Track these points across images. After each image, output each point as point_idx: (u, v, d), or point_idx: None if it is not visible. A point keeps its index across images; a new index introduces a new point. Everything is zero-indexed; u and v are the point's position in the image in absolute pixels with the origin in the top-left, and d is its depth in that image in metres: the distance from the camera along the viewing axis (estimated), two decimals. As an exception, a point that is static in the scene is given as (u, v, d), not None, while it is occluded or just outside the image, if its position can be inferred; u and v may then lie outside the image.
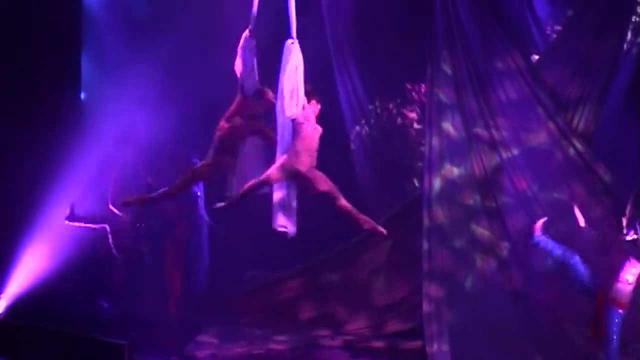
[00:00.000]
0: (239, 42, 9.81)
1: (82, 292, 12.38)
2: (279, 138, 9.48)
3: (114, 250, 12.61)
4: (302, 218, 13.09)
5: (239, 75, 9.89)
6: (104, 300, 12.67)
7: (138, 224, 12.77)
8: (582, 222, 9.96)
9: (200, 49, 13.34)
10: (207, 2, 13.37)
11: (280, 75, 9.30)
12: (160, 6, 13.68)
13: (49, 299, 11.97)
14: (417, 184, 13.11)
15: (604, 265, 9.86)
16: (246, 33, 9.76)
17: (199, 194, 13.28)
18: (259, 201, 13.56)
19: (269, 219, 13.49)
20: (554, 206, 11.49)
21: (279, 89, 9.33)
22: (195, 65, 13.28)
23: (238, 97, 9.97)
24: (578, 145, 11.56)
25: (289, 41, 9.31)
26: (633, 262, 9.61)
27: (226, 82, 10.23)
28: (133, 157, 12.83)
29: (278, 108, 9.40)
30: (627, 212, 9.64)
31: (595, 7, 11.85)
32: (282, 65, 9.30)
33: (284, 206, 9.57)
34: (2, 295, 12.07)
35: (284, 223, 9.57)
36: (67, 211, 12.46)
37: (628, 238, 9.62)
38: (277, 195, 9.57)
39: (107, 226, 12.63)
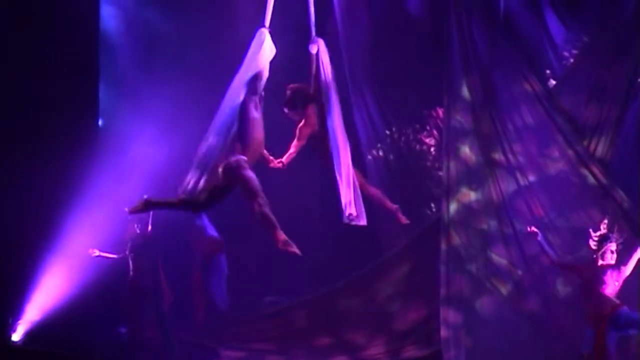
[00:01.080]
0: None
1: (100, 319, 12.36)
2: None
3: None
4: (319, 244, 13.15)
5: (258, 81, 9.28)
6: (123, 327, 12.65)
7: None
8: None
9: (219, 73, 13.35)
10: (225, 26, 13.41)
11: (325, 70, 9.30)
12: (178, 31, 13.73)
13: (67, 325, 11.97)
14: (434, 209, 13.09)
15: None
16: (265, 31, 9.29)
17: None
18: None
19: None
20: (571, 232, 11.48)
21: (328, 84, 9.32)
22: (215, 91, 13.29)
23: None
24: (596, 171, 11.50)
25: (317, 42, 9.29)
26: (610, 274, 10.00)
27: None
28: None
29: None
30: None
31: (610, 33, 11.85)
32: (322, 63, 9.30)
33: (357, 196, 9.44)
34: (20, 321, 12.07)
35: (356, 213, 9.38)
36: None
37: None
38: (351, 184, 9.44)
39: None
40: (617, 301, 10.01)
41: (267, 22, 9.09)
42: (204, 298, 13.49)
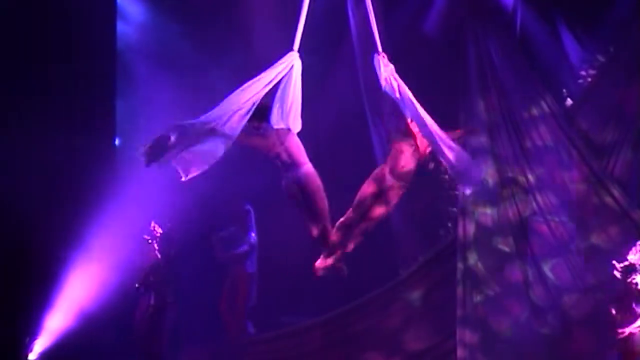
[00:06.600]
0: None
1: (117, 341, 12.32)
2: None
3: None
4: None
5: None
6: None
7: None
8: None
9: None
10: (244, 45, 13.41)
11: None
12: (197, 49, 13.72)
13: (84, 347, 11.95)
14: (450, 229, 13.06)
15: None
16: None
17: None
18: (292, 246, 13.64)
19: (301, 263, 13.57)
20: (592, 252, 11.47)
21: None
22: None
23: None
24: (614, 191, 11.53)
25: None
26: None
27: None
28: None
29: None
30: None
31: (627, 53, 11.87)
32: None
33: None
34: (37, 341, 12.05)
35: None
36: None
37: None
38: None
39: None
40: None
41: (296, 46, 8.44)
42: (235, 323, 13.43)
